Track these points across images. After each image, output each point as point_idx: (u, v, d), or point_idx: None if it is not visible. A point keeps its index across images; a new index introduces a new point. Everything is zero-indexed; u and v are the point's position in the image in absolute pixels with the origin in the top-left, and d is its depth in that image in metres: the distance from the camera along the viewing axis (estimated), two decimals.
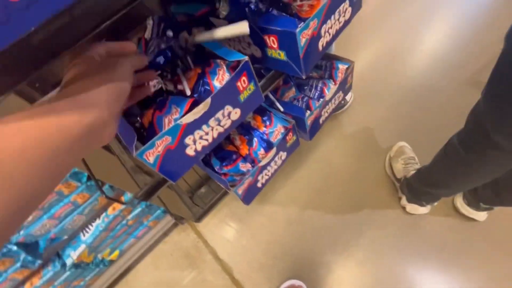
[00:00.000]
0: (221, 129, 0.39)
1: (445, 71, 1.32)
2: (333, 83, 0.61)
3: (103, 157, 0.57)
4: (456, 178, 0.72)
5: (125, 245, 0.99)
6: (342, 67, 0.60)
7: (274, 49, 0.41)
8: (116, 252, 0.98)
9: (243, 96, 0.39)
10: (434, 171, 0.81)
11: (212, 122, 0.37)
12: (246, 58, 0.35)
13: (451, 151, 0.70)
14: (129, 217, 0.89)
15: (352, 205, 1.10)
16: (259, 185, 0.55)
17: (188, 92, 0.37)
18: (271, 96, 0.58)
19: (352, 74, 0.61)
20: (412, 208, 1.01)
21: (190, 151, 0.38)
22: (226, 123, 0.39)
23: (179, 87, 0.39)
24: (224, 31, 0.37)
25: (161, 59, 0.40)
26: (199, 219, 0.60)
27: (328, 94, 0.57)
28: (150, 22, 0.45)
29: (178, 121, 0.33)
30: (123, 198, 0.85)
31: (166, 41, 0.41)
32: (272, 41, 0.40)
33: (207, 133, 0.38)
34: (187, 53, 0.41)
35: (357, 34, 1.49)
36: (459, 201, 0.99)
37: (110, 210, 0.83)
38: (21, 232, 0.65)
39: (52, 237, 0.72)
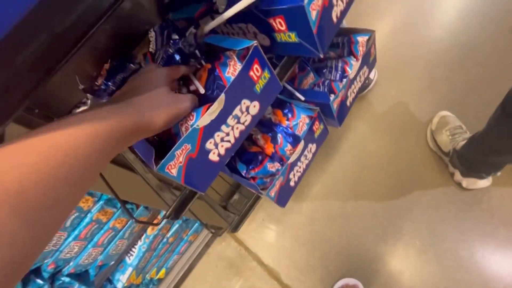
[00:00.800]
0: (242, 127, 0.36)
1: (481, 24, 1.17)
2: (355, 59, 0.55)
3: (128, 178, 0.56)
4: None
5: (170, 262, 1.00)
6: (361, 39, 0.53)
7: (283, 32, 0.37)
8: (163, 271, 0.99)
9: (259, 87, 0.35)
10: (492, 136, 0.70)
11: (230, 120, 0.34)
12: (255, 42, 0.32)
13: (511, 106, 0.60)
14: (169, 234, 0.89)
15: (398, 189, 1.01)
16: (292, 184, 0.51)
17: (202, 90, 0.35)
18: (288, 86, 0.54)
19: (375, 44, 0.55)
20: (470, 182, 0.89)
21: (213, 157, 0.35)
22: (246, 119, 0.36)
23: (192, 87, 0.36)
24: (233, 9, 0.34)
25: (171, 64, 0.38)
26: (235, 228, 0.57)
27: (351, 72, 0.51)
28: (152, 35, 0.44)
29: (195, 126, 0.31)
30: (159, 217, 0.85)
31: (173, 44, 0.39)
32: (279, 23, 0.36)
33: (227, 134, 0.35)
34: (197, 48, 0.39)
35: (368, 4, 1.38)
36: None
37: (149, 231, 0.83)
38: (71, 264, 0.67)
39: (100, 264, 0.74)
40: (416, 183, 1.00)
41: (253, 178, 0.50)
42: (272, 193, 0.47)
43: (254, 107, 0.36)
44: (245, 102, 0.34)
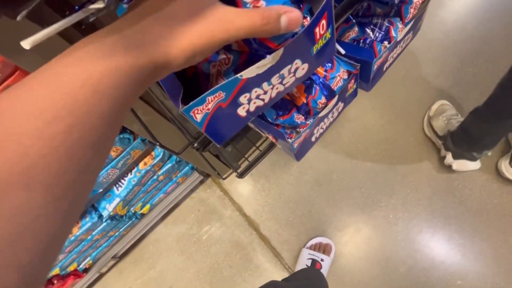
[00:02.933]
0: (281, 88, 0.32)
1: (502, 21, 1.15)
2: (401, 22, 0.51)
3: (143, 108, 0.52)
4: None
5: (155, 200, 1.00)
6: (417, 0, 0.49)
7: None
8: (147, 206, 0.99)
9: (316, 48, 0.30)
10: (501, 98, 0.73)
11: (275, 79, 0.30)
12: None
13: None
14: (160, 172, 0.87)
15: (385, 166, 1.06)
16: (313, 139, 0.50)
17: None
18: None
19: (426, 9, 0.51)
20: (460, 164, 0.95)
21: (241, 112, 0.31)
22: (289, 81, 0.32)
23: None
24: None
25: None
26: (242, 174, 0.56)
27: (397, 36, 0.48)
28: None
29: (238, 75, 0.26)
30: (153, 153, 0.82)
31: None
32: None
33: (265, 92, 0.30)
34: None
35: None
36: (504, 164, 0.93)
37: (141, 165, 0.81)
38: None
39: None
40: (403, 164, 1.05)
41: (277, 126, 0.48)
42: (296, 144, 0.46)
43: (302, 70, 0.31)
44: (296, 63, 0.30)
